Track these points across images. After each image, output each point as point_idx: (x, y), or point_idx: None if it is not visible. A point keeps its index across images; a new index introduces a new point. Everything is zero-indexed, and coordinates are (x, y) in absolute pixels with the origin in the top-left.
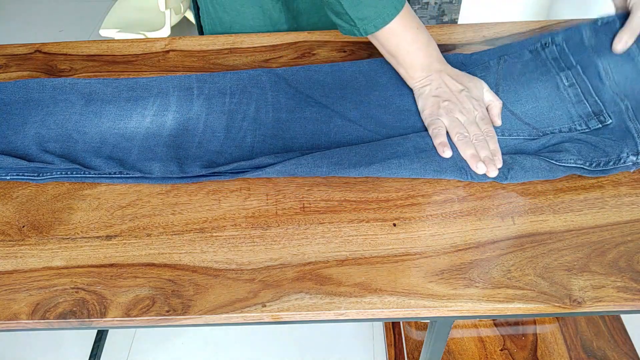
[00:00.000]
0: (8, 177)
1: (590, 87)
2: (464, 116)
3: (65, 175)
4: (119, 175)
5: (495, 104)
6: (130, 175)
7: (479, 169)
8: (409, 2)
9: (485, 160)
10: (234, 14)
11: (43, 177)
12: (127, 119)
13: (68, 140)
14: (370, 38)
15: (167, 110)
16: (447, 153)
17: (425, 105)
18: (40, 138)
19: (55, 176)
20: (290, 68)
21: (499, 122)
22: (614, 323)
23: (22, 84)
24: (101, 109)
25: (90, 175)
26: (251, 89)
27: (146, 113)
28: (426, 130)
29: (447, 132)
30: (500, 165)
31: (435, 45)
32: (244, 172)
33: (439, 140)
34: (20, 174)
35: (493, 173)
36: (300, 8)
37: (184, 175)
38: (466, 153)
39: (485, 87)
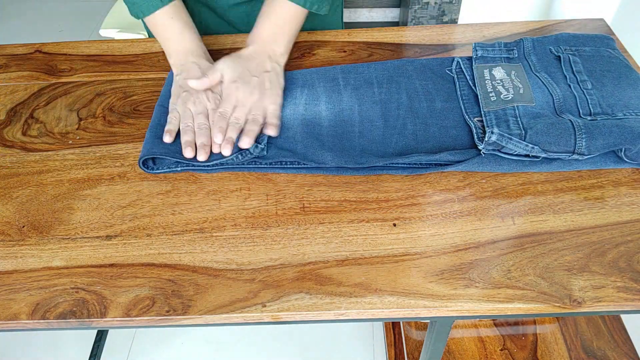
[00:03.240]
0: (179, 169)
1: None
2: (195, 107)
3: (238, 166)
4: (293, 166)
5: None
6: (305, 166)
7: (186, 153)
8: (409, 2)
9: (200, 147)
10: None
11: (213, 168)
12: (282, 107)
13: None
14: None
15: (318, 100)
16: (166, 138)
17: (172, 93)
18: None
19: (226, 167)
20: (435, 58)
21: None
22: (614, 323)
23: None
24: None
25: (263, 166)
26: (398, 78)
27: (298, 102)
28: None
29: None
30: (220, 151)
31: (191, 38)
32: (421, 167)
33: (167, 127)
34: (190, 165)
35: (204, 157)
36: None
37: (361, 166)
38: (182, 139)
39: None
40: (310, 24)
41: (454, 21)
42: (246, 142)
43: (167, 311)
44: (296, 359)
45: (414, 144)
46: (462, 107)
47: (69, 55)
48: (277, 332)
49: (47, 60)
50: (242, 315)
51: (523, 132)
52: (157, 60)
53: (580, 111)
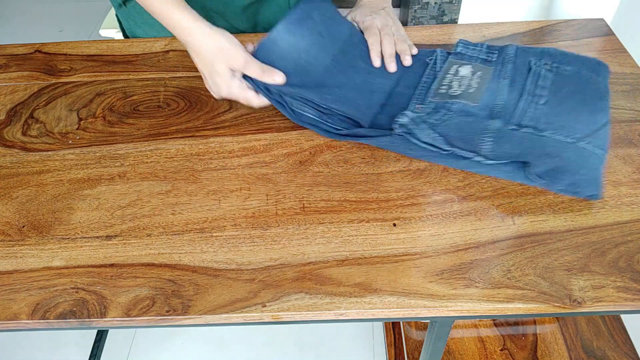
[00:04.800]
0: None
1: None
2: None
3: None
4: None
5: None
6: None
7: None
8: (409, 2)
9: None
10: (148, 27)
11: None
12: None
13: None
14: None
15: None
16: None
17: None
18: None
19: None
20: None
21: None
22: (614, 323)
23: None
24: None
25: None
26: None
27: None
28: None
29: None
30: (387, 67)
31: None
32: (344, 135)
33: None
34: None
35: None
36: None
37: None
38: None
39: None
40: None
41: (454, 21)
42: (408, 60)
43: (167, 311)
44: (296, 359)
45: (359, 115)
46: (414, 94)
47: (69, 55)
48: (277, 332)
49: (47, 60)
50: (242, 315)
51: (438, 122)
52: (157, 61)
53: (511, 120)
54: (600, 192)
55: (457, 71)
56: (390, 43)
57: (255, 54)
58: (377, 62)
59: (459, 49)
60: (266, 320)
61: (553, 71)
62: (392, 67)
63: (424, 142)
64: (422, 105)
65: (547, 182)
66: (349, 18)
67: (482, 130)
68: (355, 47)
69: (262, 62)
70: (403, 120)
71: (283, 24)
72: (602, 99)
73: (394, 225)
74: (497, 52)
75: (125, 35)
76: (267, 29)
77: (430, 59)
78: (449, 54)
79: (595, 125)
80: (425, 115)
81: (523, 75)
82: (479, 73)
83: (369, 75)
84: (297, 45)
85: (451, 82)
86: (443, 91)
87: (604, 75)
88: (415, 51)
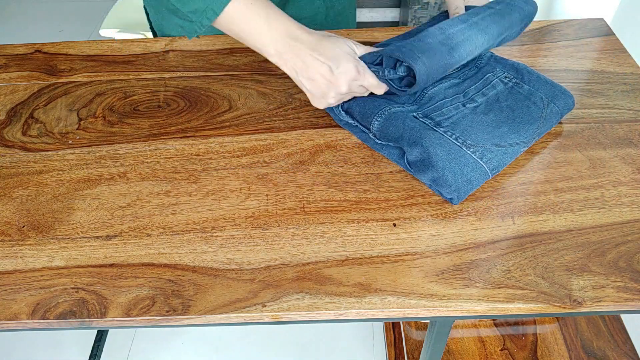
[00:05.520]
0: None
1: None
2: (340, 95)
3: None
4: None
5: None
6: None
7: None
8: (409, 2)
9: None
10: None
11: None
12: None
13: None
14: (218, 27)
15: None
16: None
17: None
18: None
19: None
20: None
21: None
22: (614, 323)
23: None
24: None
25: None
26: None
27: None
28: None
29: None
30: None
31: (279, 16)
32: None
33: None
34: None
35: None
36: None
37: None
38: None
39: (350, 43)
40: (324, 22)
41: None
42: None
43: (167, 311)
44: (296, 359)
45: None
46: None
47: (69, 55)
48: (277, 332)
49: (47, 60)
50: (242, 315)
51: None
52: (157, 60)
53: (424, 110)
54: (457, 200)
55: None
56: None
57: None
58: None
59: None
60: (266, 320)
61: (507, 85)
62: None
63: (334, 113)
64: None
65: (414, 171)
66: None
67: (379, 110)
68: None
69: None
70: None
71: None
72: (532, 123)
73: (394, 225)
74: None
75: (153, 31)
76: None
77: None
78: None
79: (502, 141)
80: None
81: (475, 80)
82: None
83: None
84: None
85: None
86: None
87: (559, 104)
88: None
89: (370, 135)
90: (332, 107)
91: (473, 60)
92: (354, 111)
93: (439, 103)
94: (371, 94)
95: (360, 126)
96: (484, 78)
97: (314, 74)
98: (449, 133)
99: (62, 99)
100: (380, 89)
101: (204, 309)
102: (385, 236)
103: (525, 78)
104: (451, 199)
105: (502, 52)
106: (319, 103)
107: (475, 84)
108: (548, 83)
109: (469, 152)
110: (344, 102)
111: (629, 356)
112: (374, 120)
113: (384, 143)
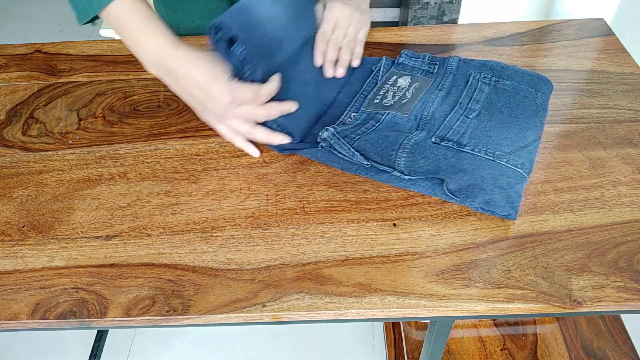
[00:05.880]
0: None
1: None
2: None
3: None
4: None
5: None
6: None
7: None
8: (409, 2)
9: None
10: (181, 14)
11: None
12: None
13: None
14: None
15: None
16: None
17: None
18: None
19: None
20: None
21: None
22: (614, 323)
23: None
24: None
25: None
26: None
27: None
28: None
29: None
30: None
31: (157, 28)
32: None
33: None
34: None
35: None
36: None
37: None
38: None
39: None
40: None
41: (454, 21)
42: (340, 72)
43: (167, 311)
44: (296, 359)
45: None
46: (352, 102)
47: (69, 55)
48: (277, 332)
49: (47, 60)
50: (242, 315)
51: (358, 136)
52: None
53: (437, 132)
54: (516, 213)
55: (395, 81)
56: (333, 48)
57: (227, 16)
58: (319, 62)
59: (401, 60)
60: (266, 320)
61: (490, 85)
62: (328, 72)
63: (345, 156)
64: (356, 114)
65: (460, 200)
66: None
67: (399, 145)
68: (309, 48)
69: (231, 25)
70: (324, 134)
71: None
72: (536, 116)
73: (394, 225)
74: (438, 63)
75: None
76: None
77: (376, 67)
78: (394, 63)
79: (522, 142)
80: (351, 128)
81: (460, 87)
82: (416, 84)
83: (317, 84)
84: (275, 21)
85: (387, 92)
86: (377, 101)
87: (543, 90)
88: (356, 63)
89: (394, 173)
90: (342, 148)
91: (442, 66)
92: (369, 152)
93: (445, 122)
94: (343, 126)
95: (379, 165)
96: (467, 84)
97: (188, 92)
98: (477, 149)
99: (62, 99)
100: (259, 99)
101: (204, 309)
102: (385, 236)
103: (502, 74)
104: (508, 215)
105: (503, 52)
106: (206, 117)
107: (463, 92)
108: (526, 74)
109: (506, 164)
110: (353, 142)
111: (629, 356)
112: (397, 156)
113: (413, 178)
